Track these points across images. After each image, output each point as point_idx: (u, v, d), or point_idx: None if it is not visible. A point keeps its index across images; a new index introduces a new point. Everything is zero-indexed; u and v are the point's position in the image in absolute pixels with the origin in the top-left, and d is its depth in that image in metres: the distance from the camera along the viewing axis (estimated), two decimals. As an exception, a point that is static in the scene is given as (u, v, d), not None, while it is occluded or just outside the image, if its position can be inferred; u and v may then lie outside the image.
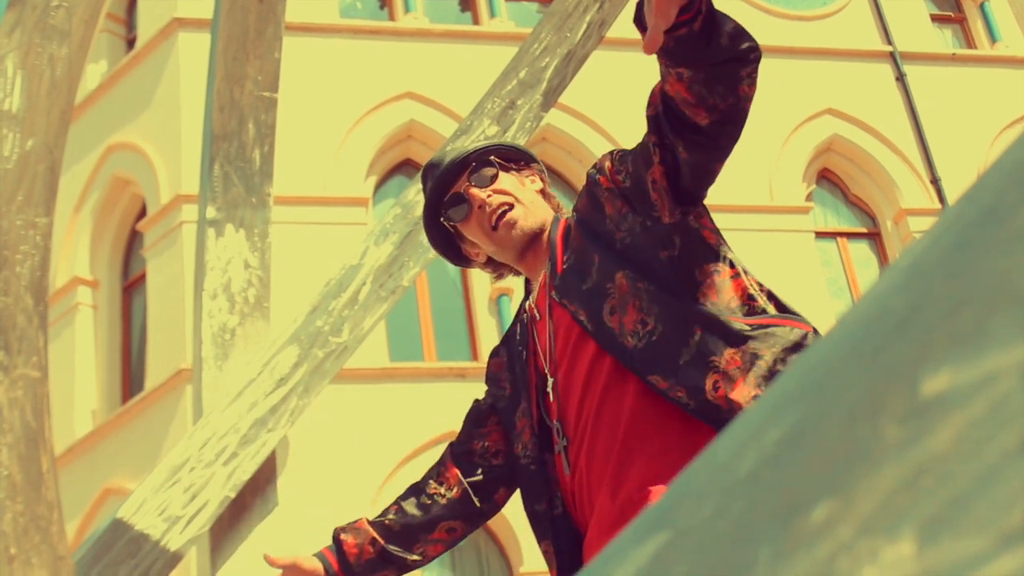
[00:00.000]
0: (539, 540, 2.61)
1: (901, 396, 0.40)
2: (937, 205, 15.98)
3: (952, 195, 15.89)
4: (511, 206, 2.66)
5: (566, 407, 2.54)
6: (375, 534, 2.88)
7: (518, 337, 2.72)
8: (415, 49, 15.28)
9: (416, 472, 12.63)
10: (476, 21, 16.19)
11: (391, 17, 15.88)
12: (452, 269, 14.51)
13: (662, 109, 2.40)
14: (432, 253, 4.56)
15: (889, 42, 17.30)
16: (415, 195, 4.60)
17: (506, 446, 2.79)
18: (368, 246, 4.55)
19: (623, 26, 4.51)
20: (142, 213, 14.55)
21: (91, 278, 14.59)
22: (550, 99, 4.57)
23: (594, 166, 2.62)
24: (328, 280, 4.55)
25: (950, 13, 18.78)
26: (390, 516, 2.90)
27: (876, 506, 0.38)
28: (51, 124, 3.28)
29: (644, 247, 2.46)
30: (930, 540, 0.37)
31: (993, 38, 18.33)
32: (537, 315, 2.66)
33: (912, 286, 0.44)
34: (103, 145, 14.82)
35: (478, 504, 2.82)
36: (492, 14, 16.19)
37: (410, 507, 2.89)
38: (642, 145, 2.48)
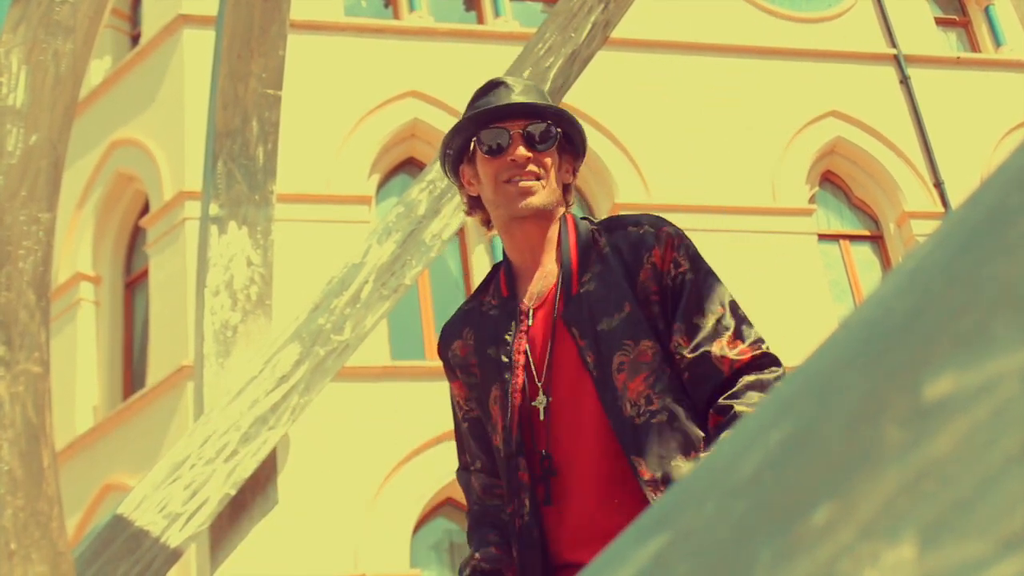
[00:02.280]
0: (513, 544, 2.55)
1: (903, 399, 0.40)
2: (940, 208, 15.97)
3: (955, 198, 15.89)
4: (538, 179, 2.57)
5: (557, 437, 2.49)
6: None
7: (500, 326, 2.61)
8: (419, 48, 15.28)
9: (417, 470, 12.63)
10: (480, 20, 16.19)
11: (395, 16, 15.88)
12: (454, 268, 14.52)
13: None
14: (434, 252, 4.57)
15: (893, 45, 17.29)
16: (418, 194, 4.60)
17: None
18: (370, 244, 4.55)
19: (627, 27, 4.50)
20: (145, 209, 14.55)
21: (93, 274, 14.59)
22: (554, 99, 4.57)
23: (653, 226, 2.57)
24: (330, 278, 4.55)
25: (954, 16, 18.77)
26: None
27: (877, 509, 0.38)
28: (55, 120, 3.28)
29: (663, 338, 2.47)
30: (931, 544, 0.37)
31: (997, 42, 18.32)
32: (530, 320, 2.59)
33: (915, 289, 0.44)
34: (107, 141, 14.82)
35: None
36: (497, 13, 16.18)
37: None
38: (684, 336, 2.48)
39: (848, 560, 0.38)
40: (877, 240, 16.24)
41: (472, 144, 2.65)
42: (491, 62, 12.91)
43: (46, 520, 2.83)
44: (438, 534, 13.16)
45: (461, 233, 14.29)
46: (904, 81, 16.92)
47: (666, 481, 2.36)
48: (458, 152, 2.68)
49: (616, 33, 5.12)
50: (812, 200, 15.98)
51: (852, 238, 16.19)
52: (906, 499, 0.38)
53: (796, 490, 0.41)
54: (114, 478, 12.87)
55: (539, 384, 2.53)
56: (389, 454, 12.67)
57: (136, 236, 14.85)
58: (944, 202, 15.96)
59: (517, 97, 2.62)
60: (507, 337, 2.59)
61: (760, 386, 2.40)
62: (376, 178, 14.64)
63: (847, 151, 16.30)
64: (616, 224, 2.64)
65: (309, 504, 11.95)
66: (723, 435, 2.34)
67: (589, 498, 2.45)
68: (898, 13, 17.63)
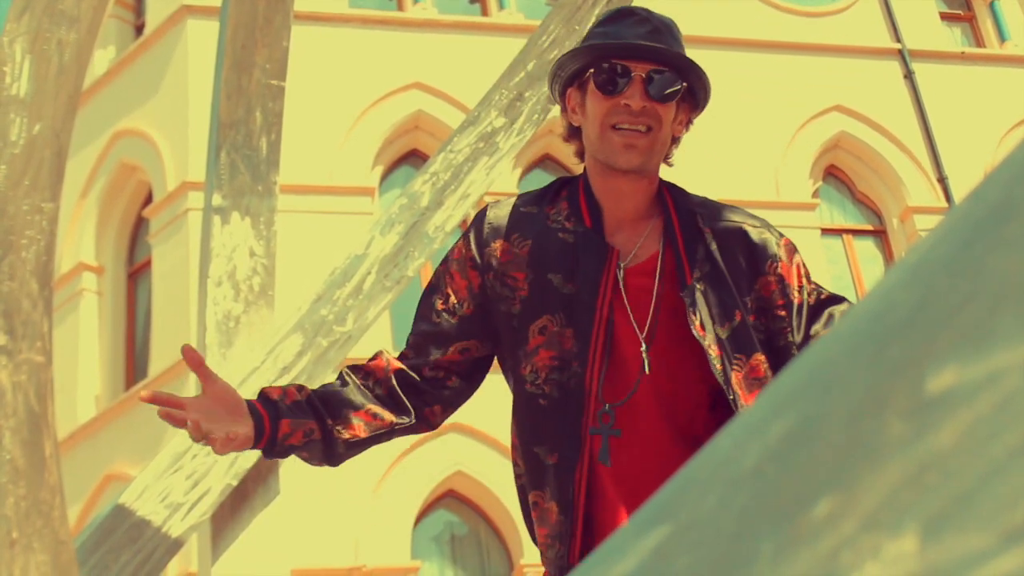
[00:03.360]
0: (534, 490, 2.36)
1: (906, 392, 0.40)
2: (944, 203, 15.96)
3: (959, 193, 15.87)
4: (648, 131, 2.35)
5: (642, 400, 2.32)
6: (299, 388, 2.48)
7: (579, 259, 2.37)
8: (423, 40, 15.27)
9: (418, 462, 12.63)
10: (485, 12, 16.17)
11: (400, 7, 15.87)
12: (457, 260, 14.50)
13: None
14: (437, 244, 4.57)
15: (898, 40, 17.27)
16: (421, 185, 4.60)
17: (471, 366, 2.50)
18: (373, 236, 4.55)
19: (632, 19, 4.48)
20: (148, 199, 14.56)
21: (96, 264, 14.60)
22: (558, 92, 4.57)
23: (772, 234, 2.44)
24: (333, 269, 4.55)
25: (959, 11, 18.75)
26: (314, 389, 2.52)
27: (879, 502, 0.38)
28: (58, 109, 3.28)
29: (775, 358, 2.35)
30: (933, 536, 0.37)
31: (1002, 37, 18.29)
32: (620, 275, 2.36)
33: (919, 283, 0.44)
34: (110, 131, 14.82)
35: (408, 406, 2.51)
36: (501, 6, 16.17)
37: (334, 386, 2.52)
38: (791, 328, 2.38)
39: (850, 552, 0.38)
40: (880, 235, 16.23)
41: (587, 72, 2.40)
42: (495, 54, 12.90)
43: (48, 509, 2.84)
44: (439, 526, 13.17)
45: (464, 225, 14.28)
46: (908, 76, 16.91)
47: None
48: (570, 76, 2.44)
49: (620, 26, 5.11)
50: (815, 194, 15.97)
51: (855, 233, 16.18)
52: (908, 492, 0.38)
53: (798, 482, 0.41)
54: (116, 468, 12.88)
55: (645, 359, 2.31)
56: (390, 446, 12.66)
57: (139, 226, 14.85)
58: (948, 197, 15.94)
59: (649, 36, 2.37)
60: (594, 276, 2.35)
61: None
62: (379, 170, 14.64)
63: (851, 146, 16.28)
64: (721, 213, 2.47)
65: (310, 495, 11.95)
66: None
67: (648, 467, 2.29)
68: (903, 8, 17.60)
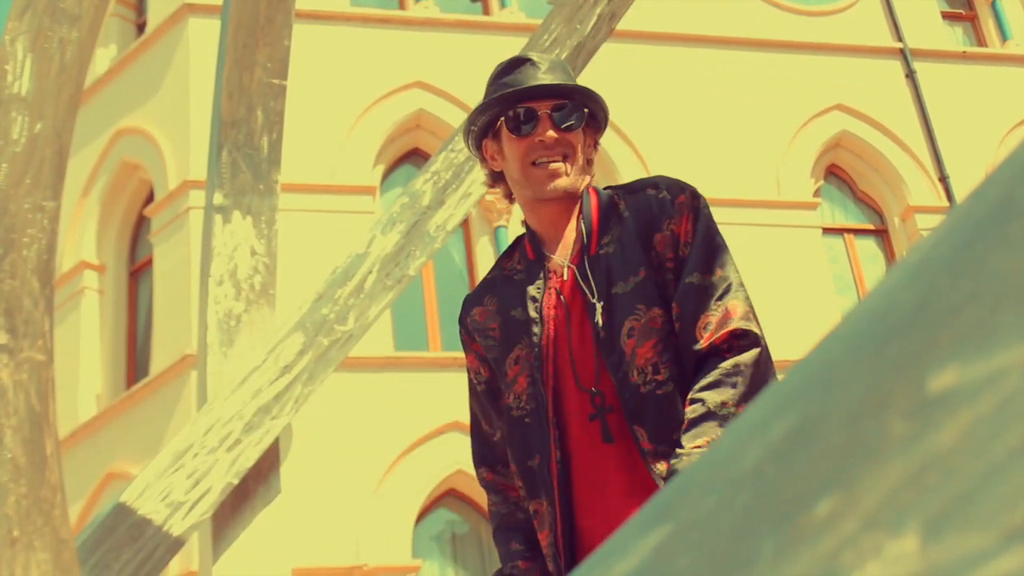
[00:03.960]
0: (531, 498, 2.55)
1: (907, 392, 0.40)
2: (945, 203, 15.95)
3: (960, 193, 15.87)
4: (565, 159, 2.58)
5: (593, 379, 2.52)
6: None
7: (526, 286, 2.63)
8: (425, 38, 15.27)
9: (419, 461, 12.63)
10: (486, 11, 16.17)
11: (401, 6, 15.87)
12: (458, 259, 14.52)
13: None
14: (438, 243, 4.57)
15: (899, 39, 17.27)
16: (422, 184, 4.60)
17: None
18: (375, 235, 4.55)
19: (633, 19, 4.49)
20: (149, 198, 14.56)
21: (97, 262, 14.60)
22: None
23: (671, 192, 2.60)
24: (334, 268, 4.55)
25: (961, 11, 18.74)
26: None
27: (880, 501, 0.38)
28: (60, 108, 3.28)
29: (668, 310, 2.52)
30: (934, 536, 0.37)
31: (1004, 36, 18.29)
32: (565, 277, 2.60)
33: (920, 282, 0.44)
34: (111, 130, 14.82)
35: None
36: (503, 4, 16.17)
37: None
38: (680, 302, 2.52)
39: (851, 552, 0.38)
40: (881, 234, 16.22)
41: (498, 121, 2.64)
42: (497, 53, 12.89)
43: (49, 508, 2.84)
44: (440, 525, 13.18)
45: (465, 224, 14.28)
46: (910, 75, 16.90)
47: (665, 455, 2.39)
48: (483, 128, 2.68)
49: (621, 25, 5.12)
50: (817, 194, 15.96)
51: (856, 232, 16.17)
52: (909, 491, 0.38)
53: (799, 482, 0.41)
54: (117, 466, 12.88)
55: (574, 335, 2.54)
56: (392, 445, 12.68)
57: (140, 225, 14.85)
58: (949, 196, 15.94)
59: (544, 76, 2.61)
60: (535, 294, 2.60)
61: (730, 378, 2.43)
62: (380, 168, 14.64)
63: (852, 145, 16.28)
64: (635, 187, 2.67)
65: (311, 494, 11.96)
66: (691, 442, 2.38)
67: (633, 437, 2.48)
68: (904, 7, 17.60)
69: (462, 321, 2.76)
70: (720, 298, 2.49)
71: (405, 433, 12.70)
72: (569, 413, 2.52)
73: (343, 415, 12.57)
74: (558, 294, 2.58)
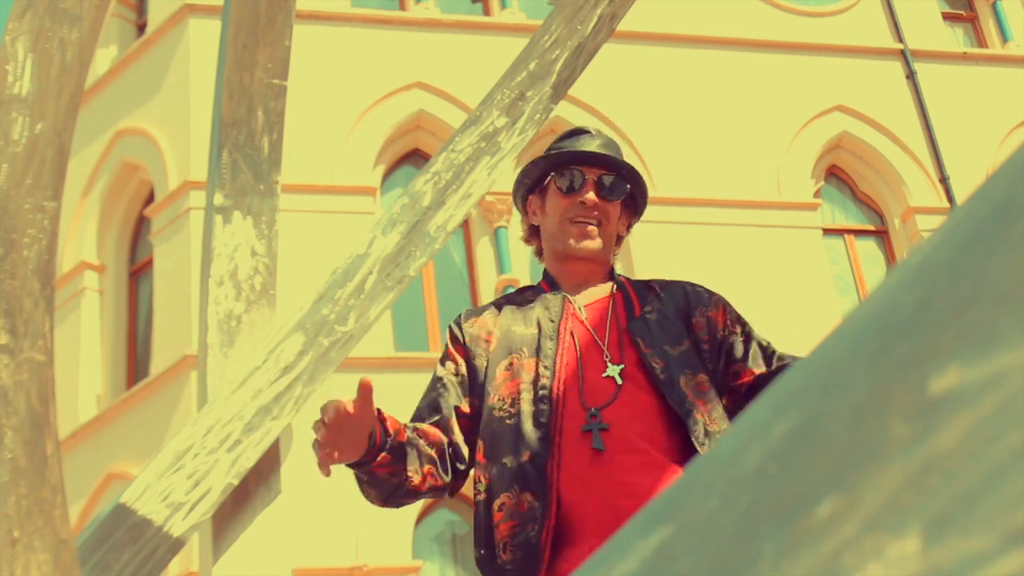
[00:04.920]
0: (503, 492, 2.67)
1: (909, 393, 0.40)
2: (945, 204, 15.95)
3: (961, 194, 15.86)
4: (600, 225, 2.84)
5: (616, 410, 2.67)
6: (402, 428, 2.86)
7: (539, 309, 2.83)
8: (425, 39, 15.27)
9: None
10: (487, 12, 16.17)
11: (402, 7, 15.87)
12: (458, 260, 14.51)
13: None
14: (439, 243, 4.57)
15: (900, 40, 17.26)
16: (423, 185, 4.60)
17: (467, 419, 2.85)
18: (375, 235, 4.55)
19: (634, 19, 4.50)
20: (150, 199, 14.56)
21: (98, 263, 14.60)
22: (560, 91, 4.56)
23: (705, 290, 2.90)
24: (334, 269, 4.55)
25: (962, 12, 18.74)
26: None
27: (882, 503, 0.38)
28: (60, 108, 3.28)
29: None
30: (935, 537, 0.37)
31: (1005, 37, 18.28)
32: (582, 313, 2.81)
33: (921, 284, 0.44)
34: (112, 130, 14.82)
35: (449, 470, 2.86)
36: (503, 5, 16.17)
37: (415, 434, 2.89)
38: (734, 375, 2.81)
39: (852, 553, 0.38)
40: (882, 235, 16.22)
41: (548, 179, 2.93)
42: (497, 54, 12.90)
43: (49, 508, 2.84)
44: (440, 526, 13.17)
45: (466, 225, 14.29)
46: (911, 76, 16.90)
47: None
48: (533, 182, 2.99)
49: (622, 26, 5.11)
50: (817, 194, 15.96)
51: (857, 233, 16.17)
52: (911, 493, 0.38)
53: (800, 483, 0.41)
54: (117, 467, 12.88)
55: (607, 360, 2.72)
56: (392, 445, 12.67)
57: (141, 225, 14.85)
58: (949, 197, 15.94)
59: (599, 148, 2.90)
60: (552, 316, 2.80)
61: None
62: (381, 169, 14.63)
63: (853, 146, 16.28)
64: (668, 281, 2.95)
65: (312, 495, 11.95)
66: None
67: (628, 461, 2.63)
68: (905, 8, 17.60)
69: (457, 324, 2.96)
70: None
71: (405, 434, 12.68)
72: (566, 424, 2.68)
73: (343, 416, 12.55)
74: (575, 324, 2.79)
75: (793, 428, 0.43)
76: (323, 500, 12.11)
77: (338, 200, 13.91)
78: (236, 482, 4.21)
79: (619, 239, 2.97)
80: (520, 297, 2.95)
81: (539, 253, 3.01)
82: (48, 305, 3.06)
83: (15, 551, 2.71)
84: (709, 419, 2.64)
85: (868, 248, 16.14)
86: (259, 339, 4.43)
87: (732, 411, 2.75)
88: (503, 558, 2.64)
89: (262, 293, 4.53)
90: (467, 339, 2.89)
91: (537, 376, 2.71)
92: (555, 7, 4.69)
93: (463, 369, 2.88)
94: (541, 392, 2.69)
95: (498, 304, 2.96)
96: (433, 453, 2.83)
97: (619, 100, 15.20)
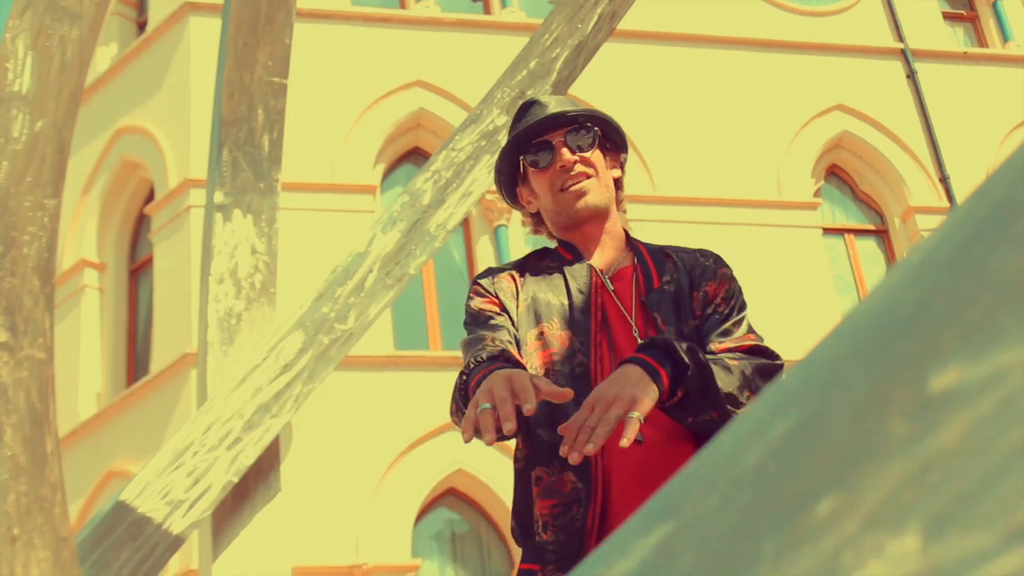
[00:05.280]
0: (536, 463, 2.60)
1: (909, 392, 0.40)
2: (945, 203, 15.95)
3: (961, 193, 15.86)
4: (588, 177, 2.75)
5: None
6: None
7: (564, 278, 2.74)
8: (426, 37, 15.27)
9: (419, 460, 12.64)
10: (487, 11, 16.17)
11: (402, 5, 15.87)
12: (458, 258, 14.51)
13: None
14: (439, 242, 4.57)
15: (900, 39, 17.26)
16: (423, 183, 4.60)
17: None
18: (375, 234, 4.55)
19: (634, 18, 4.50)
20: (150, 197, 14.56)
21: (98, 261, 14.60)
22: (560, 90, 4.57)
23: (715, 263, 2.80)
24: (335, 267, 4.55)
25: (962, 11, 18.74)
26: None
27: (882, 501, 0.38)
28: (61, 106, 3.28)
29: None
30: (935, 536, 0.37)
31: (1005, 37, 18.28)
32: (610, 287, 2.72)
33: (922, 283, 0.44)
34: (112, 128, 14.82)
35: None
36: (503, 4, 16.17)
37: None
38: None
39: (852, 551, 0.38)
40: (882, 234, 16.22)
41: (522, 164, 2.82)
42: (497, 53, 12.90)
43: (49, 506, 2.84)
44: (440, 524, 13.18)
45: (466, 223, 14.29)
46: (911, 76, 16.90)
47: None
48: (510, 176, 2.88)
49: (622, 25, 5.11)
50: (817, 194, 15.96)
51: (857, 232, 16.17)
52: (910, 491, 0.38)
53: (800, 481, 0.41)
54: (117, 465, 12.88)
55: (636, 337, 2.64)
56: (392, 443, 12.68)
57: (141, 223, 14.85)
58: (949, 197, 15.94)
59: (554, 109, 2.79)
60: (582, 288, 2.72)
61: (753, 357, 2.65)
62: (381, 167, 14.64)
63: (853, 145, 16.28)
64: (684, 249, 2.88)
65: (311, 493, 11.96)
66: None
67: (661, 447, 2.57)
68: (906, 8, 17.60)
69: (483, 278, 2.83)
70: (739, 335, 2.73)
71: (405, 432, 12.70)
72: None
73: (343, 414, 12.57)
74: (605, 296, 2.72)
75: (793, 427, 0.43)
76: (323, 498, 12.12)
77: (338, 198, 13.91)
78: (236, 480, 4.21)
79: (618, 183, 2.87)
80: (540, 263, 2.84)
81: (550, 236, 2.90)
82: (48, 303, 3.06)
83: (15, 548, 2.71)
84: None
85: (868, 247, 16.14)
86: (259, 337, 4.43)
87: None
88: (543, 537, 2.58)
89: (262, 291, 4.53)
90: (500, 294, 2.77)
91: (572, 351, 2.64)
92: (556, 6, 4.69)
93: (506, 313, 2.76)
94: (578, 369, 2.61)
95: (518, 266, 2.85)
96: None
97: (619, 99, 15.20)
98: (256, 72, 4.63)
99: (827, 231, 15.79)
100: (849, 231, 16.12)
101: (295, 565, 11.47)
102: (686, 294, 2.71)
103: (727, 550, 0.42)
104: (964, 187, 15.86)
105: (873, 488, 0.39)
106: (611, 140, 2.85)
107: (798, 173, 15.69)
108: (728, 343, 2.65)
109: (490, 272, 2.84)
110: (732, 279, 2.79)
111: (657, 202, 14.73)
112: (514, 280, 2.79)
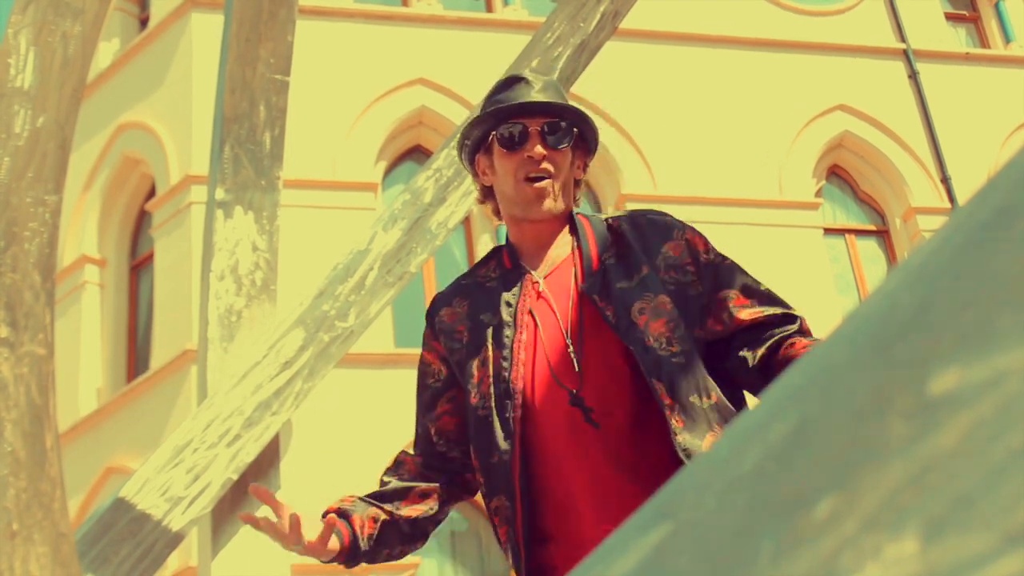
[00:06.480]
0: (490, 496, 2.62)
1: (909, 393, 0.40)
2: (947, 204, 15.95)
3: (962, 194, 15.86)
4: (552, 179, 2.68)
5: (587, 384, 2.58)
6: (373, 504, 2.82)
7: (500, 292, 2.72)
8: (428, 35, 15.27)
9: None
10: (489, 9, 16.17)
11: (404, 3, 15.87)
12: (459, 257, 14.51)
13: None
14: (440, 240, 4.57)
15: (903, 39, 17.26)
16: (424, 181, 4.60)
17: (458, 416, 2.81)
18: (376, 231, 4.55)
19: (636, 17, 4.50)
20: (151, 193, 14.56)
21: (99, 257, 14.60)
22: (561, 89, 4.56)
23: (678, 221, 2.74)
24: (335, 264, 4.55)
25: (964, 12, 18.74)
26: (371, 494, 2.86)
27: (881, 502, 0.38)
28: (62, 101, 3.28)
29: (687, 307, 2.62)
30: (934, 538, 0.37)
31: (1007, 38, 18.28)
32: (542, 288, 2.68)
33: (922, 284, 0.44)
34: (114, 124, 14.83)
35: (439, 474, 2.87)
36: (506, 2, 16.16)
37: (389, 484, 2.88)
38: (728, 314, 2.68)
39: (850, 553, 0.38)
40: (883, 235, 16.22)
41: (490, 136, 2.73)
42: (499, 51, 12.90)
43: (48, 501, 2.84)
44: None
45: (467, 222, 14.29)
46: (913, 76, 16.90)
47: (684, 410, 2.49)
48: (476, 142, 2.77)
49: (625, 24, 5.11)
50: (818, 194, 15.96)
51: (858, 232, 16.17)
52: (910, 493, 0.38)
53: (799, 482, 0.41)
54: (116, 461, 12.89)
55: (568, 341, 2.60)
56: (392, 441, 12.65)
57: (142, 219, 14.86)
58: (951, 198, 15.94)
59: (537, 95, 2.70)
60: (510, 300, 2.68)
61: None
62: (383, 165, 14.64)
63: (854, 145, 16.28)
64: (638, 212, 2.78)
65: (311, 490, 11.95)
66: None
67: (618, 445, 2.55)
68: (908, 8, 17.60)
69: (429, 317, 2.84)
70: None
71: (405, 430, 12.63)
72: (541, 413, 2.60)
73: (343, 411, 12.57)
74: (533, 302, 2.68)
75: (792, 427, 0.43)
76: (323, 495, 12.11)
77: (339, 196, 13.91)
78: (235, 477, 4.21)
79: (577, 183, 2.80)
80: (485, 271, 2.81)
81: (496, 213, 2.83)
82: (49, 298, 3.06)
83: (14, 544, 2.71)
84: (667, 341, 2.53)
85: (869, 248, 16.14)
86: (259, 334, 4.44)
87: (722, 340, 2.65)
88: (510, 562, 2.62)
89: (263, 288, 4.53)
90: (443, 336, 2.79)
91: (499, 368, 2.62)
92: (558, 4, 4.69)
93: (443, 374, 2.83)
94: (502, 386, 2.61)
95: (465, 285, 2.82)
96: (420, 510, 2.81)
97: (621, 98, 15.20)
98: (258, 69, 4.63)
99: (828, 231, 15.78)
100: (850, 231, 16.12)
101: (294, 563, 11.47)
102: (632, 252, 2.65)
103: (725, 551, 0.42)
104: (965, 188, 15.86)
105: (872, 489, 0.39)
106: (585, 140, 2.80)
107: (799, 173, 15.69)
108: (758, 301, 2.71)
109: (435, 306, 2.84)
110: (703, 236, 2.75)
111: (658, 201, 14.73)
112: (455, 312, 2.78)
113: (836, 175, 16.45)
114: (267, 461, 4.37)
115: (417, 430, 2.95)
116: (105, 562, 3.97)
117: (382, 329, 13.15)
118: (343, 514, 2.74)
